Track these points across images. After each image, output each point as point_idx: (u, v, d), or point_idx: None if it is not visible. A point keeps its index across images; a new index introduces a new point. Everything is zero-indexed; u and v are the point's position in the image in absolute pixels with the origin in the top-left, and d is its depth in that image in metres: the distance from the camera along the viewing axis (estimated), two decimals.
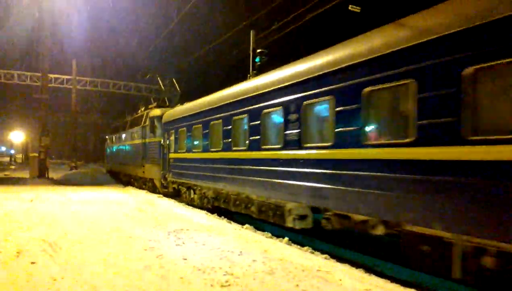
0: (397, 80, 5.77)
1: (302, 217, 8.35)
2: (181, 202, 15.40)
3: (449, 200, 4.92)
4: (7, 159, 66.75)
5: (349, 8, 13.54)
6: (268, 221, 9.51)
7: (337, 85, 6.93)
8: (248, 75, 16.87)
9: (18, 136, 58.45)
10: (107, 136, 32.77)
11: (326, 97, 7.21)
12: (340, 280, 5.44)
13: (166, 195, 17.42)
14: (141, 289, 4.84)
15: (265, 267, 5.94)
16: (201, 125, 13.24)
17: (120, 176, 26.98)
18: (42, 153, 23.98)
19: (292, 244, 8.00)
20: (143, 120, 20.77)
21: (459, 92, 4.87)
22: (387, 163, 5.85)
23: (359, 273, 5.90)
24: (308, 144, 7.75)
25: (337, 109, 6.90)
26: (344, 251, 8.10)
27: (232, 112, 10.97)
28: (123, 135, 25.71)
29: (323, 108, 7.47)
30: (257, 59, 17.47)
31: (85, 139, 64.68)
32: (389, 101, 6.22)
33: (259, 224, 10.44)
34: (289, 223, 8.52)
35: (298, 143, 7.99)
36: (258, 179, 9.48)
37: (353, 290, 5.06)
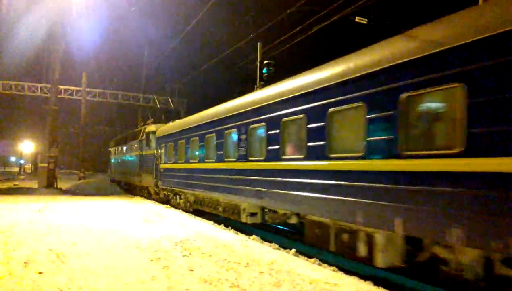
0: (297, 115, 8.34)
1: (253, 214, 10.71)
2: (172, 206, 17.35)
3: (323, 195, 7.33)
4: (16, 169, 67.46)
5: (356, 20, 13.58)
6: (229, 218, 11.97)
7: (268, 116, 9.49)
8: (255, 86, 16.92)
9: (28, 146, 59.02)
10: (110, 148, 34.88)
11: (262, 124, 9.70)
12: None
13: (158, 200, 19.46)
14: None
15: (272, 279, 5.89)
16: (184, 140, 15.72)
17: (121, 184, 28.93)
18: (51, 163, 24.20)
19: (300, 256, 7.94)
20: (140, 135, 23.04)
21: (326, 126, 7.32)
22: (293, 171, 8.36)
23: (367, 286, 5.82)
24: (252, 158, 10.27)
25: (268, 133, 9.36)
26: (353, 263, 7.98)
27: (205, 131, 13.56)
28: (124, 148, 28.10)
29: (261, 131, 9.81)
30: (265, 71, 17.56)
31: (94, 150, 65.13)
32: (295, 129, 8.56)
33: (266, 235, 10.39)
34: (243, 219, 10.80)
35: (245, 157, 10.54)
36: (223, 185, 11.85)
37: None
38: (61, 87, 33.39)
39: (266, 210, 10.26)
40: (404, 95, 5.61)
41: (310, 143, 7.78)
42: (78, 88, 35.54)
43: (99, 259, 6.87)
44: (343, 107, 6.97)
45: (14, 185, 28.46)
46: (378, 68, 6.14)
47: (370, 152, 6.25)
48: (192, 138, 14.76)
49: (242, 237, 9.83)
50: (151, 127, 21.27)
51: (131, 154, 25.24)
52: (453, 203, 4.88)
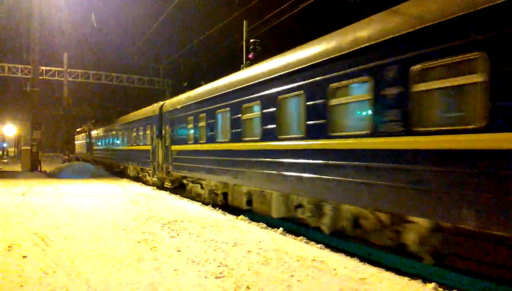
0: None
1: (119, 166, 26.70)
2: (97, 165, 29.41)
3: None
4: None
5: None
6: (123, 171, 25.97)
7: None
8: (242, 65, 16.70)
9: (10, 129, 57.66)
10: (75, 135, 50.59)
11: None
12: (335, 269, 5.43)
13: (96, 163, 31.87)
14: (134, 282, 4.79)
15: (260, 258, 5.91)
16: (99, 134, 32.52)
17: (80, 159, 41.40)
18: (34, 146, 23.75)
19: (287, 234, 7.99)
20: (86, 130, 41.41)
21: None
22: (127, 150, 23.81)
23: (354, 262, 5.89)
24: (120, 145, 25.90)
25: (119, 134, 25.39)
26: (339, 241, 8.08)
27: (110, 132, 28.69)
28: (80, 136, 47.29)
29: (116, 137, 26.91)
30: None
31: None
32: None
33: (254, 215, 10.42)
34: (115, 169, 27.49)
35: (122, 145, 25.19)
36: (116, 157, 26.34)
37: (348, 279, 5.06)
38: (42, 68, 32.50)
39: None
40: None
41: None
42: (59, 68, 34.59)
43: (85, 241, 6.80)
44: None
45: None
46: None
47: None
48: (103, 134, 30.65)
49: (230, 217, 9.84)
50: (91, 125, 38.58)
51: (83, 141, 44.45)
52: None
